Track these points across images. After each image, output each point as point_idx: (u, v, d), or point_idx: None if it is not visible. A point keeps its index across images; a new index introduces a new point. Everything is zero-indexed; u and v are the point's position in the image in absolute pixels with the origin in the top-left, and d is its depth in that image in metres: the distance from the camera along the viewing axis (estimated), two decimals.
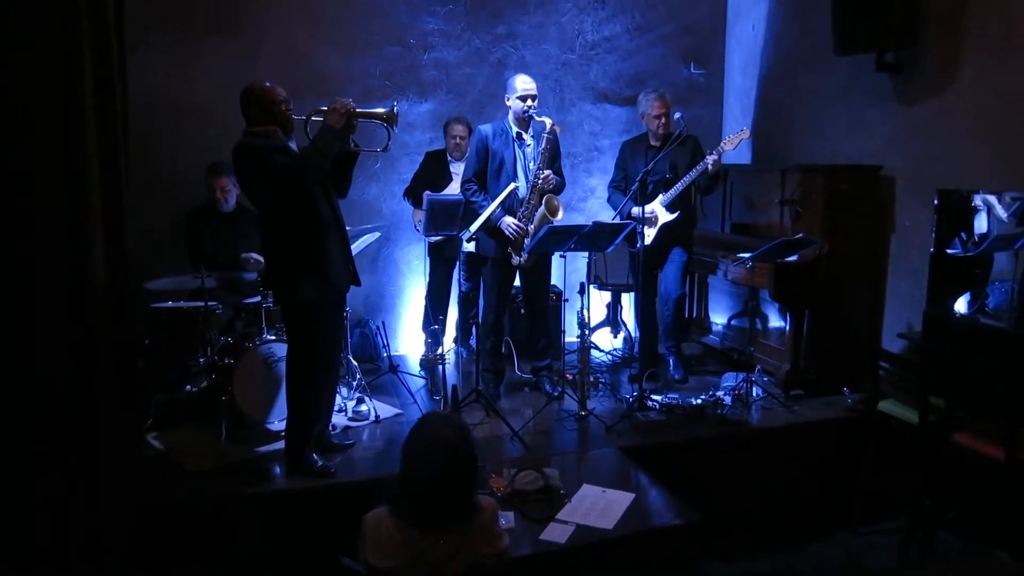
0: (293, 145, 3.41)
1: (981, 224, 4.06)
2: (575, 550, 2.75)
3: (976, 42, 4.10)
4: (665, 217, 4.57)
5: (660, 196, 4.56)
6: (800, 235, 4.28)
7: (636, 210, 4.43)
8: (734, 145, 4.47)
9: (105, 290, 3.02)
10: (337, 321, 3.71)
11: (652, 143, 4.64)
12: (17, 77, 2.84)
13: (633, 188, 4.35)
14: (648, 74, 5.92)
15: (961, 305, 4.09)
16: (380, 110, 3.46)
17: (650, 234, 4.56)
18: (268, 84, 3.38)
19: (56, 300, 2.95)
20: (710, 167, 4.38)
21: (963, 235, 4.08)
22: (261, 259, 4.23)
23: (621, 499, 3.03)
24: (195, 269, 4.11)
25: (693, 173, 4.45)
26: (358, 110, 3.35)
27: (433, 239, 4.90)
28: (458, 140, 4.99)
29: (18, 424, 2.92)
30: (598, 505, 2.98)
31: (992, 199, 4.00)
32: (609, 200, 4.85)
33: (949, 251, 4.10)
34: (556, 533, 2.80)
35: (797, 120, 5.39)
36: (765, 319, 4.92)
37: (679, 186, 4.50)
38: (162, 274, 4.04)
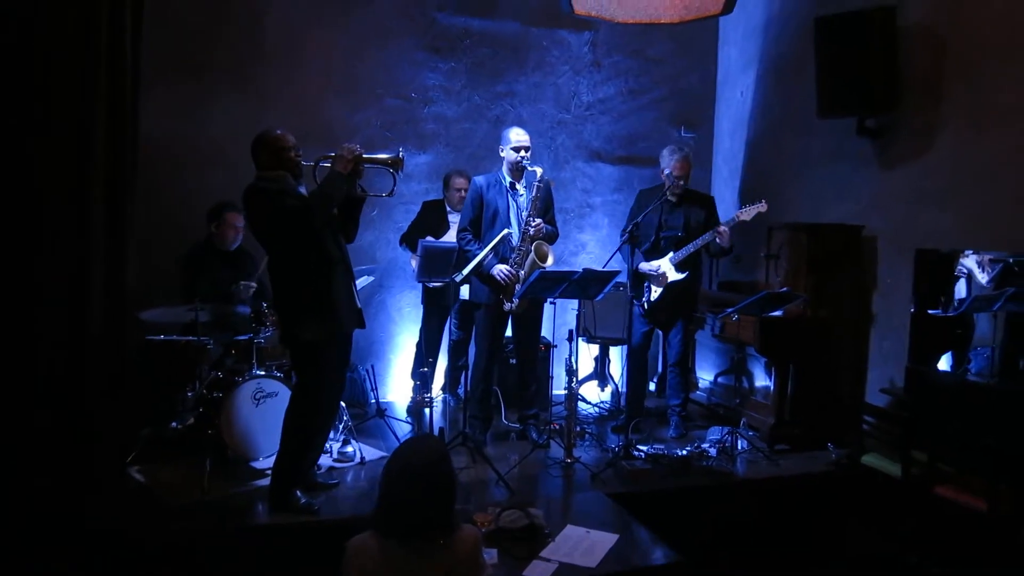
0: (303, 190, 3.50)
1: (961, 289, 4.17)
2: None
3: (952, 108, 4.29)
4: (674, 276, 4.56)
5: (670, 254, 4.57)
6: (785, 288, 4.37)
7: (644, 265, 4.48)
8: (751, 216, 4.39)
9: (102, 321, 3.09)
10: (342, 362, 3.73)
11: (669, 198, 4.60)
12: (42, 107, 2.96)
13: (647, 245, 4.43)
14: (640, 136, 6.12)
15: (944, 366, 4.17)
16: (386, 156, 3.57)
17: (657, 291, 4.61)
18: (279, 132, 3.50)
19: (56, 324, 3.00)
20: (719, 240, 4.36)
21: (942, 299, 4.19)
22: (253, 285, 4.27)
23: (605, 539, 3.03)
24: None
25: (706, 236, 4.42)
26: (365, 156, 3.47)
27: (432, 285, 4.96)
28: (462, 193, 5.02)
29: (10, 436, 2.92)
30: (582, 545, 2.97)
31: (972, 264, 4.10)
32: (619, 250, 4.59)
33: (931, 311, 4.20)
34: (539, 571, 2.79)
35: (783, 182, 5.54)
36: (751, 376, 4.97)
37: (690, 247, 4.47)
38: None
